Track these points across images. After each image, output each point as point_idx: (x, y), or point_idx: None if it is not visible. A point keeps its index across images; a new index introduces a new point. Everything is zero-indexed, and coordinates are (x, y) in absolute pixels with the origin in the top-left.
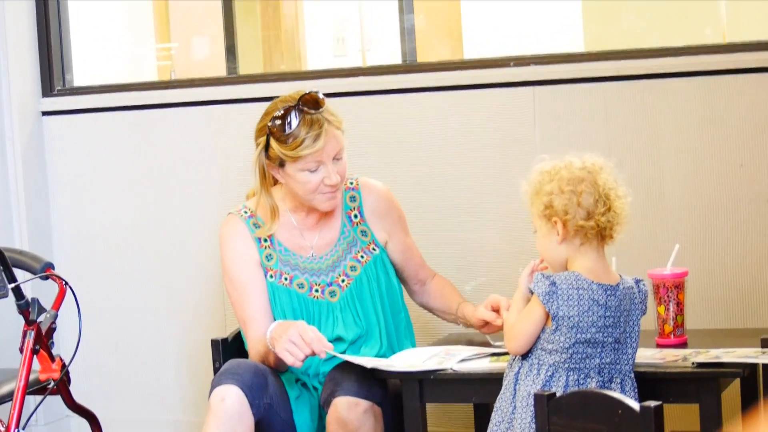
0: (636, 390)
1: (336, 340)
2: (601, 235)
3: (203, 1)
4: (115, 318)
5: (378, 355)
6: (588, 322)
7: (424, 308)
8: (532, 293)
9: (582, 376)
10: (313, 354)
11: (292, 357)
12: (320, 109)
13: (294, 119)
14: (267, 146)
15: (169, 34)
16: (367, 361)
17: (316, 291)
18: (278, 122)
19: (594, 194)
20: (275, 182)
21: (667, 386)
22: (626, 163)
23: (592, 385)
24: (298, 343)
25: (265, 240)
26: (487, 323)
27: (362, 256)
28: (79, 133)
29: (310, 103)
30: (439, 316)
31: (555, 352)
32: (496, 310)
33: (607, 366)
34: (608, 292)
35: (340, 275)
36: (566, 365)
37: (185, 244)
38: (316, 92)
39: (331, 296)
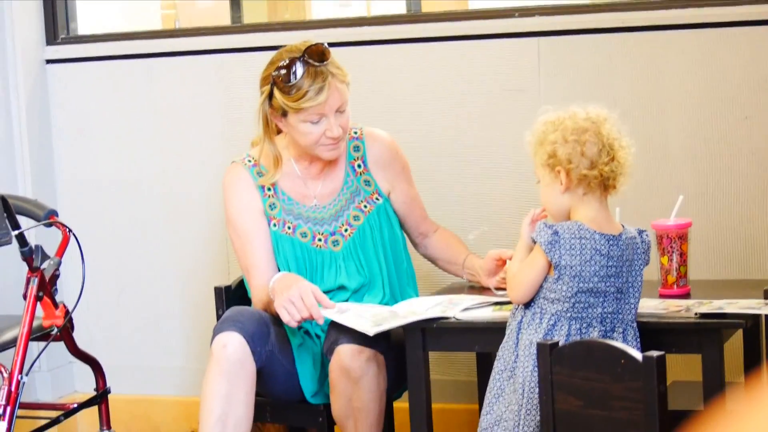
0: (638, 340)
1: (339, 288)
2: (605, 185)
3: None
4: (118, 265)
5: (381, 304)
6: (590, 271)
7: (428, 259)
8: (535, 242)
9: (584, 325)
10: (311, 318)
11: (289, 316)
12: (325, 62)
13: (298, 70)
14: (271, 95)
15: None
16: (369, 327)
17: (320, 240)
18: (283, 72)
19: (598, 144)
20: (279, 131)
21: (670, 337)
22: (630, 114)
23: (594, 334)
24: (297, 304)
25: (269, 189)
26: (497, 265)
27: (365, 206)
28: (83, 81)
29: (315, 55)
30: (443, 267)
31: (557, 301)
32: (502, 263)
33: (609, 315)
34: (610, 242)
35: (343, 225)
36: (568, 314)
37: (189, 192)
38: (322, 44)
39: (334, 245)
